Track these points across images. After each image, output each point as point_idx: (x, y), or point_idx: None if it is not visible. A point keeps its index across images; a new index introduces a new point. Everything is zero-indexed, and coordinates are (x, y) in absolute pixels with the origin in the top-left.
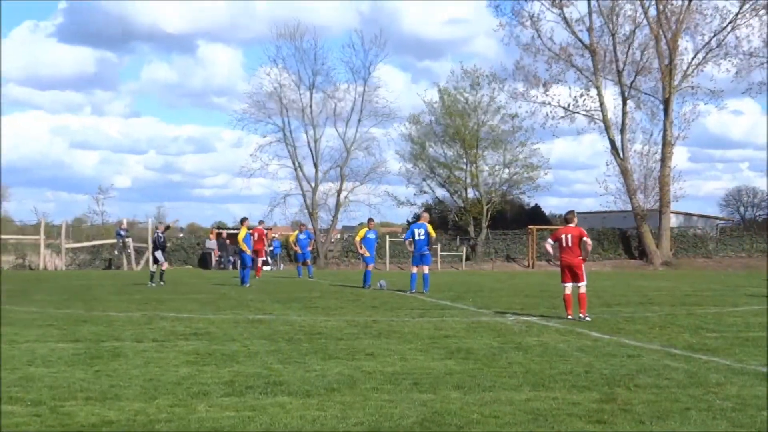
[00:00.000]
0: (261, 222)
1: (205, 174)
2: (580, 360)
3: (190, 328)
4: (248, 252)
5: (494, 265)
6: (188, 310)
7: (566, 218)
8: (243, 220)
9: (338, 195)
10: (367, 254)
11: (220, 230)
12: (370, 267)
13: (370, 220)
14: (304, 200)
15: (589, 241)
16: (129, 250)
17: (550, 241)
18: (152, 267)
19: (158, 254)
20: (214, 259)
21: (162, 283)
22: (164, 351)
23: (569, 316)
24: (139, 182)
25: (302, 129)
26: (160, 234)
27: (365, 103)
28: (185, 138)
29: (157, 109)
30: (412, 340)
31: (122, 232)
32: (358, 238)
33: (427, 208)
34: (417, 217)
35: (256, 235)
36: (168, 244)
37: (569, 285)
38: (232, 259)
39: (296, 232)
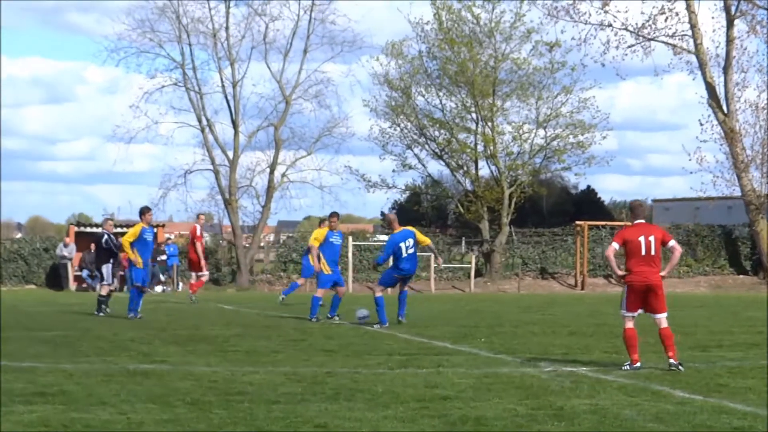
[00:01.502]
0: (200, 216)
1: (58, 138)
2: None
3: (35, 385)
4: (138, 263)
5: (521, 283)
6: (31, 356)
7: (633, 209)
8: (144, 211)
9: (271, 171)
10: (327, 270)
11: (84, 227)
12: (322, 291)
13: (333, 215)
14: (217, 180)
15: (678, 248)
16: None
17: (615, 245)
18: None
19: (107, 269)
20: (71, 273)
21: (106, 309)
22: None
23: (636, 365)
24: None
25: (213, 65)
26: (109, 235)
27: (315, 23)
28: (26, 79)
29: None
30: (390, 403)
31: None
32: (314, 243)
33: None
34: (384, 221)
35: (188, 235)
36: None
37: (634, 316)
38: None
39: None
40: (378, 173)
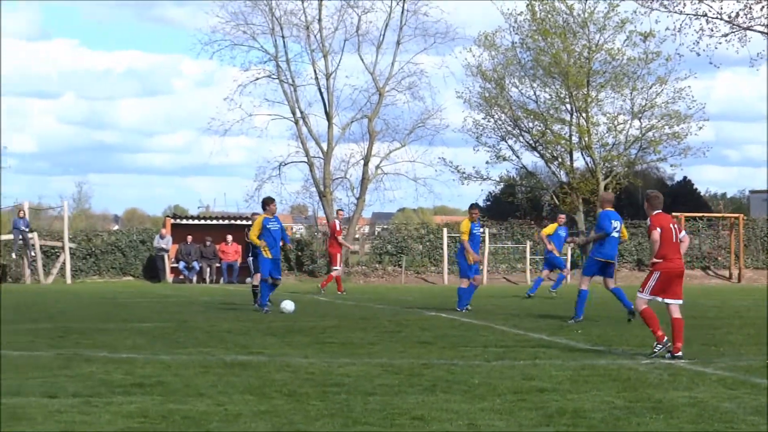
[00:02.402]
0: (339, 211)
1: (155, 130)
2: (758, 429)
3: (133, 376)
4: (267, 253)
5: (618, 275)
6: (129, 348)
7: (651, 199)
8: (268, 202)
9: (365, 164)
10: (477, 259)
11: (180, 219)
12: (467, 281)
13: (474, 207)
14: (311, 172)
15: (687, 238)
16: (33, 253)
17: (658, 229)
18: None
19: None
20: (168, 264)
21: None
22: (92, 412)
23: (664, 340)
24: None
25: (307, 57)
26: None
27: (408, 15)
28: (122, 72)
29: (78, 26)
30: (486, 395)
31: (22, 224)
32: (465, 237)
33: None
34: (600, 199)
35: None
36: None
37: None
38: (198, 265)
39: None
40: (472, 165)
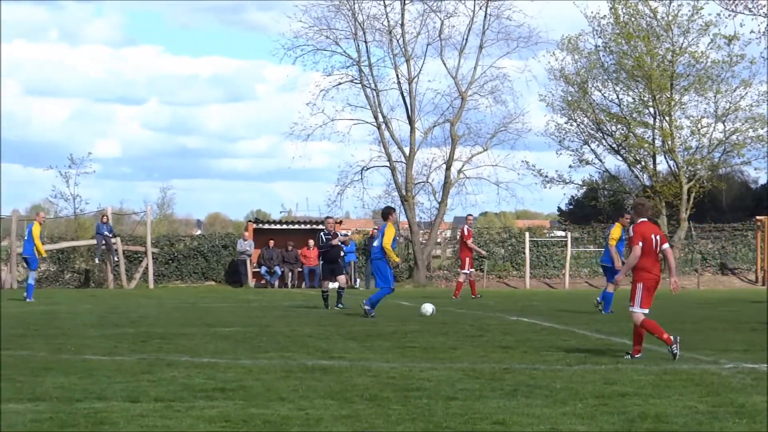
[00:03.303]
0: (468, 216)
1: (239, 136)
2: None
3: (215, 381)
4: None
5: (701, 279)
6: (211, 352)
7: (637, 208)
8: (390, 212)
9: (447, 168)
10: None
11: (262, 224)
12: (612, 286)
13: (631, 210)
14: (393, 176)
15: (670, 250)
16: (116, 258)
17: (640, 244)
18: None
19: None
20: (250, 269)
21: (340, 306)
22: (174, 417)
23: (673, 342)
24: (133, 149)
25: (389, 62)
26: (323, 234)
27: (491, 19)
28: (206, 78)
29: (163, 32)
30: (568, 400)
31: (106, 230)
32: (612, 242)
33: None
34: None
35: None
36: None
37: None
38: (280, 269)
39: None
40: (555, 168)
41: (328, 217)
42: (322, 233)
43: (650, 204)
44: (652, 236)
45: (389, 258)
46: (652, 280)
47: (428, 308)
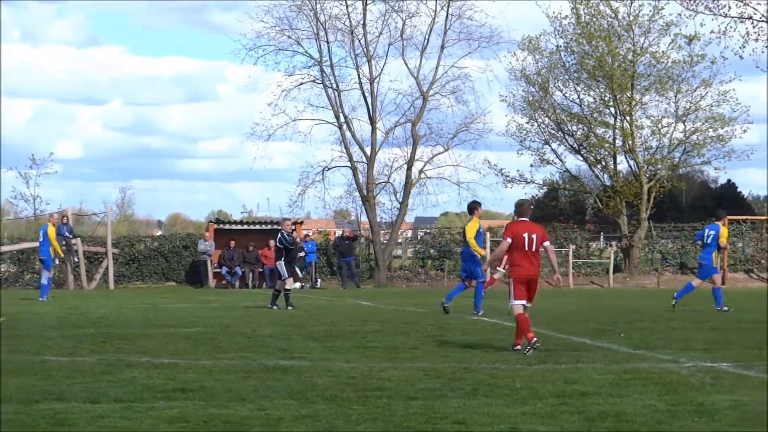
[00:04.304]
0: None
1: (200, 136)
2: None
3: (175, 381)
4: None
5: (661, 278)
6: (171, 353)
7: (518, 207)
8: (476, 206)
9: (409, 168)
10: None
11: (223, 224)
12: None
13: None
14: (354, 177)
15: (551, 247)
16: (76, 258)
17: (508, 240)
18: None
19: (280, 265)
20: (210, 270)
21: (290, 307)
22: (134, 417)
23: (534, 341)
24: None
25: (351, 62)
26: (286, 235)
27: (453, 19)
28: (169, 78)
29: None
30: (528, 399)
31: (66, 231)
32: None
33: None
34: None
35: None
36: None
37: (524, 304)
38: (241, 270)
39: None
40: (516, 168)
41: (285, 219)
42: (282, 234)
43: (528, 204)
44: (525, 235)
45: (474, 250)
46: (523, 275)
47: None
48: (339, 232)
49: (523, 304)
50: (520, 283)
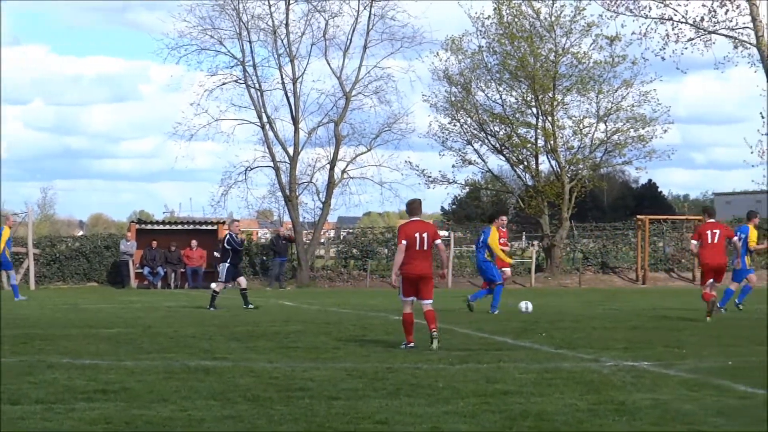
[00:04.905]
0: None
1: (122, 136)
2: (720, 430)
3: (96, 382)
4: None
5: (582, 278)
6: (93, 354)
7: (408, 206)
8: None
9: (331, 168)
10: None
11: (145, 224)
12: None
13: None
14: (277, 177)
15: (442, 246)
16: None
17: (404, 242)
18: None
19: (222, 267)
20: (132, 270)
21: (249, 306)
22: (55, 419)
23: (410, 344)
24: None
25: (274, 62)
26: (235, 236)
27: (375, 19)
28: (92, 78)
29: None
30: (450, 399)
31: None
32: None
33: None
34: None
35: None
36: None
37: (411, 301)
38: (163, 270)
39: None
40: (438, 169)
41: (234, 220)
42: (230, 235)
43: (419, 203)
44: (416, 234)
45: (504, 259)
46: (413, 273)
47: (525, 305)
48: (262, 233)
49: (409, 300)
50: (409, 280)
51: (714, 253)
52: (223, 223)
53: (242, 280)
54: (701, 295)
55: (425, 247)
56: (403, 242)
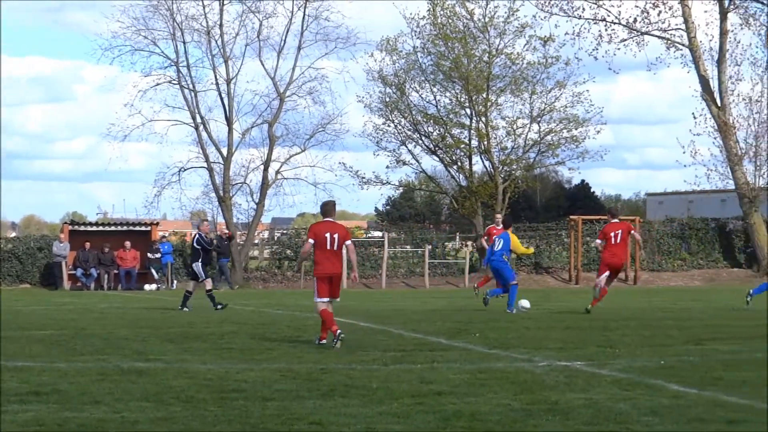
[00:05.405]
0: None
1: (56, 137)
2: (653, 429)
3: (29, 384)
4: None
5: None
6: (25, 356)
7: (322, 207)
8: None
9: (265, 169)
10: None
11: (78, 225)
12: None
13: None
14: (211, 177)
15: (352, 246)
16: None
17: (311, 241)
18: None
19: (197, 267)
20: (66, 272)
21: (218, 307)
22: None
23: (323, 341)
24: None
25: (208, 62)
26: (204, 236)
27: (309, 20)
28: (26, 78)
29: None
30: (384, 399)
31: None
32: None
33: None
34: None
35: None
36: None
37: (326, 301)
38: (96, 271)
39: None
40: (372, 169)
41: (204, 220)
42: (200, 235)
43: (332, 204)
44: (327, 234)
45: (523, 253)
46: (325, 272)
47: (526, 303)
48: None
49: (325, 301)
50: (322, 280)
51: (615, 253)
52: (157, 224)
53: (209, 282)
54: (596, 288)
55: (336, 248)
56: (311, 240)
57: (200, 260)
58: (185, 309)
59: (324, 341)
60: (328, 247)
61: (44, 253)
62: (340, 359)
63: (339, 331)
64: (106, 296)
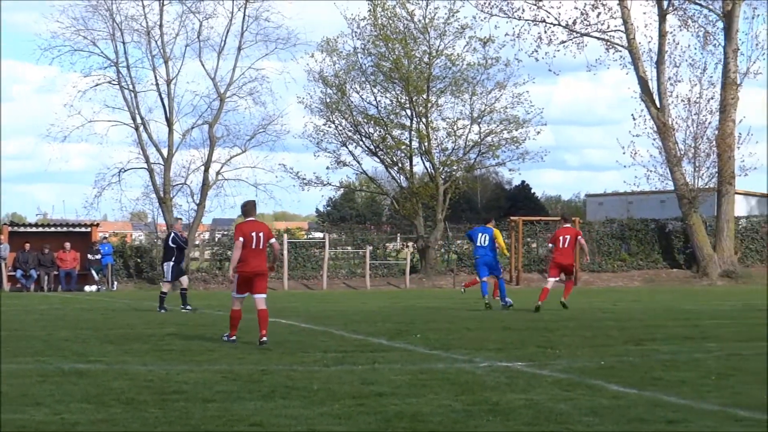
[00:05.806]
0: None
1: None
2: (593, 429)
3: None
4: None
5: (457, 279)
6: None
7: (243, 207)
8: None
9: (206, 170)
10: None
11: (18, 226)
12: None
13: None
14: (151, 178)
15: (277, 244)
16: None
17: (241, 239)
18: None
19: (167, 267)
20: (5, 273)
21: (187, 308)
22: None
23: (233, 338)
24: None
25: (148, 63)
26: (179, 235)
27: (249, 21)
28: None
29: None
30: (325, 401)
31: None
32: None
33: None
34: None
35: None
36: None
37: (242, 298)
38: (36, 272)
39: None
40: (313, 170)
41: (177, 218)
42: (174, 234)
43: (252, 204)
44: (252, 233)
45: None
46: (248, 270)
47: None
48: (136, 235)
49: (242, 297)
50: (244, 278)
51: (564, 255)
52: (97, 225)
53: (184, 279)
54: (543, 289)
55: (261, 246)
56: (240, 239)
57: (173, 259)
58: (162, 311)
59: (234, 338)
60: (254, 246)
61: None
62: (281, 360)
63: (265, 339)
64: (46, 297)
